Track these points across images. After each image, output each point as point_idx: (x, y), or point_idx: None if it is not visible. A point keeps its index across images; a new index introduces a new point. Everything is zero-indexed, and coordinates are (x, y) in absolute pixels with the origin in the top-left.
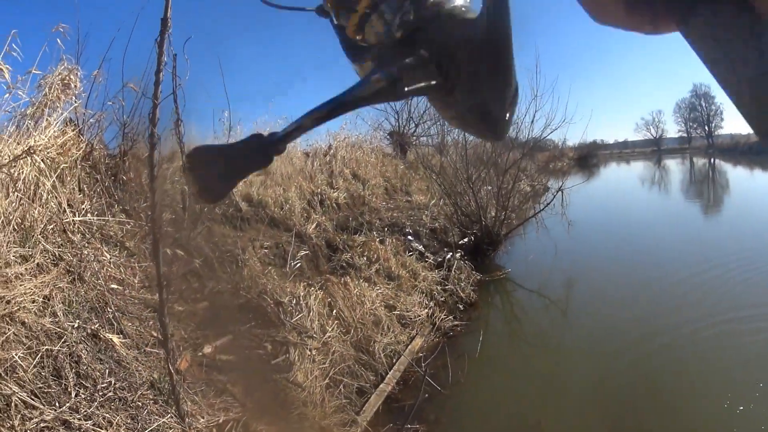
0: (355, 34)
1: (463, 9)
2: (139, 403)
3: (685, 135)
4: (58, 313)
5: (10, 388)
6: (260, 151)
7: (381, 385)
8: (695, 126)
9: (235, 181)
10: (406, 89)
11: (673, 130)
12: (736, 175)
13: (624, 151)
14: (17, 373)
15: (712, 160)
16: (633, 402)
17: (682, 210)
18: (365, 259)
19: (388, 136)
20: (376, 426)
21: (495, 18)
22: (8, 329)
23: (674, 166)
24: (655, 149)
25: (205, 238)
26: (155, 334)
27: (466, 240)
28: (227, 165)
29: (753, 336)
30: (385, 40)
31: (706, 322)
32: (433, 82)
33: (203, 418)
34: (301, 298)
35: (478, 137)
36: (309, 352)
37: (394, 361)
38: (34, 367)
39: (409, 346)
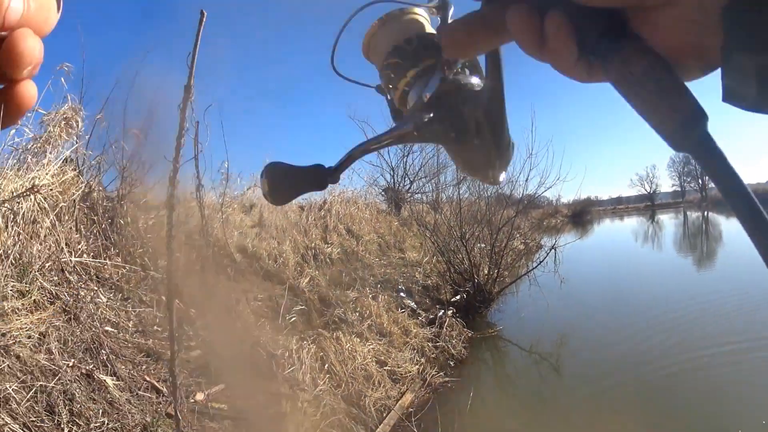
0: (399, 106)
1: (474, 83)
2: None
3: (678, 189)
4: (54, 351)
5: (3, 419)
6: (318, 176)
7: None
8: (689, 180)
9: (295, 194)
10: (427, 135)
11: (667, 184)
12: (729, 226)
13: (618, 207)
14: (10, 405)
15: (705, 213)
16: None
17: (675, 264)
18: (357, 314)
19: (383, 192)
20: None
21: (493, 90)
22: (3, 362)
23: (668, 220)
24: (648, 204)
25: (199, 288)
26: (148, 379)
27: (458, 297)
28: (292, 180)
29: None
30: (417, 105)
31: (703, 372)
32: (449, 134)
33: None
34: (293, 351)
35: (480, 178)
36: (300, 405)
37: (385, 415)
38: (28, 400)
39: (400, 401)
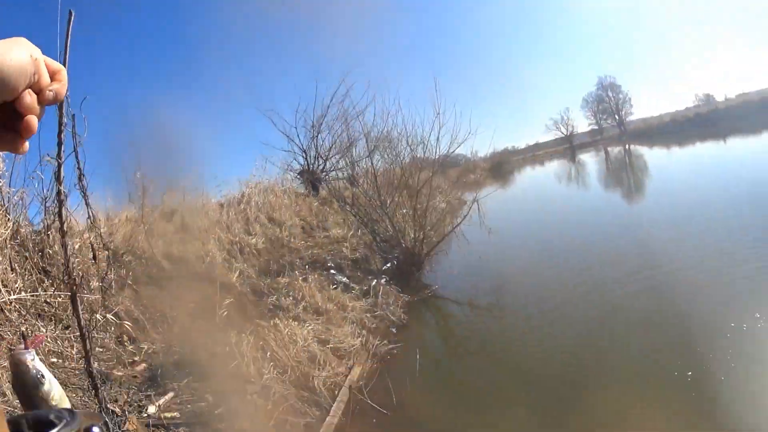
0: None
1: None
2: None
3: (596, 127)
4: (6, 392)
5: None
6: None
7: (327, 419)
8: (605, 117)
9: None
10: None
11: (583, 124)
12: (652, 155)
13: (537, 154)
14: None
15: (627, 146)
16: (577, 396)
17: (601, 200)
18: (291, 299)
19: (298, 176)
20: None
21: None
22: None
23: (589, 159)
24: (567, 146)
25: (133, 302)
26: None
27: (389, 265)
28: None
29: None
30: None
31: (637, 304)
32: None
33: None
34: (234, 346)
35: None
36: (250, 397)
37: (336, 393)
38: None
39: (349, 376)
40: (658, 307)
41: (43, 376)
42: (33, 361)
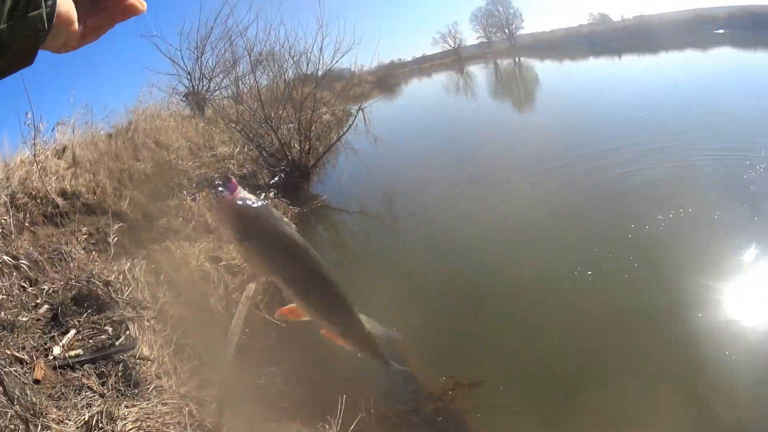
0: None
1: None
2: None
3: (485, 40)
4: None
5: None
6: None
7: (228, 338)
8: (495, 30)
9: None
10: None
11: (471, 38)
12: (543, 68)
13: (423, 65)
14: None
15: (516, 59)
16: (469, 292)
17: (488, 109)
18: (181, 219)
19: (184, 99)
20: (234, 379)
21: None
22: None
23: (478, 71)
24: (455, 58)
25: (32, 243)
26: (9, 352)
27: (276, 179)
28: None
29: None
30: None
31: (527, 205)
32: None
33: (71, 420)
34: (127, 273)
35: None
36: (148, 323)
37: (233, 311)
38: None
39: (244, 293)
40: (534, 204)
41: None
42: None
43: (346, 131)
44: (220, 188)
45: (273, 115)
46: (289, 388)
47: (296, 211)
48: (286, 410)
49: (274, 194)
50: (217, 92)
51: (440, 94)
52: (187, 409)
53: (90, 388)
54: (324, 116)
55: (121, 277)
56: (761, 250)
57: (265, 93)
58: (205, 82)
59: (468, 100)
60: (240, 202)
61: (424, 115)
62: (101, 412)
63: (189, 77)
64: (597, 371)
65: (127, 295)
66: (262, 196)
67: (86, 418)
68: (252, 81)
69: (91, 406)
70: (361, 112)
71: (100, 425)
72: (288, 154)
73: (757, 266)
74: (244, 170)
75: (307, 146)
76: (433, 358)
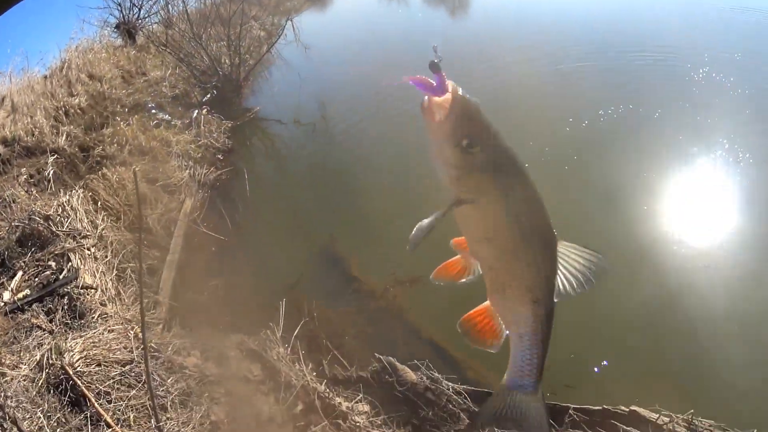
0: None
1: None
2: None
3: None
4: None
5: None
6: None
7: (168, 257)
8: None
9: None
10: None
11: None
12: None
13: None
14: None
15: None
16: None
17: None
18: (116, 146)
19: (115, 30)
20: (177, 298)
21: None
22: None
23: None
24: None
25: None
26: None
27: (209, 95)
28: None
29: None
30: None
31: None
32: None
33: (24, 363)
34: (65, 204)
35: None
36: (89, 252)
37: (172, 229)
38: None
39: (182, 210)
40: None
41: None
42: None
43: (276, 42)
44: (429, 86)
45: (202, 33)
46: (232, 300)
47: (229, 124)
48: (230, 322)
49: (207, 110)
50: (148, 19)
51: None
52: (132, 332)
53: (40, 327)
54: (254, 31)
55: (60, 209)
56: (701, 148)
57: (193, 13)
58: (135, 11)
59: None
60: (468, 99)
61: (355, 24)
62: (50, 349)
63: (119, 8)
64: None
65: (67, 226)
66: (195, 113)
67: (38, 358)
68: (180, 3)
69: (42, 346)
70: (290, 22)
71: (51, 362)
72: (219, 69)
73: (697, 163)
74: (177, 91)
75: (237, 60)
76: (371, 262)
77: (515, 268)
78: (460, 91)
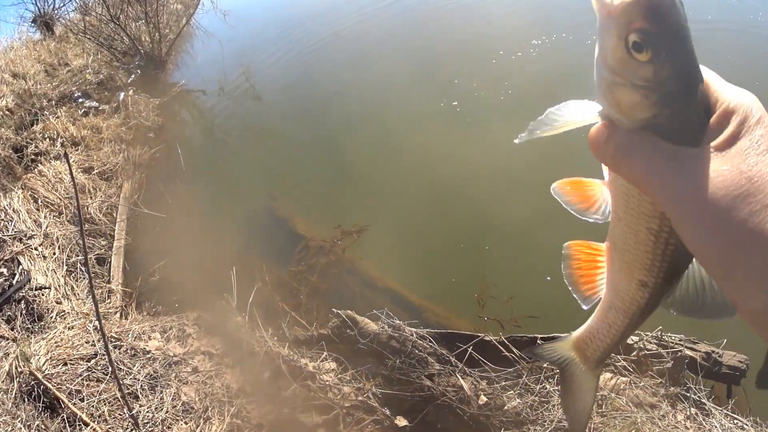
0: None
1: None
2: None
3: None
4: None
5: None
6: None
7: (114, 244)
8: None
9: None
10: None
11: None
12: None
13: None
14: None
15: None
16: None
17: None
18: (48, 141)
19: (33, 24)
20: (128, 282)
21: None
22: None
23: None
24: None
25: None
26: None
27: (133, 76)
28: None
29: None
30: None
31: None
32: None
33: None
34: (7, 208)
35: None
36: (38, 251)
37: (115, 215)
38: None
39: (121, 194)
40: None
41: None
42: None
43: (193, 13)
44: None
45: (120, 14)
46: (182, 278)
47: (157, 102)
48: (183, 300)
49: (133, 91)
50: (63, 8)
51: None
52: (92, 325)
53: (3, 337)
54: (171, 5)
55: (3, 214)
56: None
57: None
58: (50, 2)
59: None
60: None
61: None
62: (17, 357)
63: (34, 1)
64: None
65: (12, 229)
66: (122, 96)
67: (6, 368)
68: None
69: (8, 355)
70: None
71: (19, 370)
72: (140, 48)
73: None
74: (101, 76)
75: (157, 36)
76: (314, 217)
77: (641, 232)
78: None
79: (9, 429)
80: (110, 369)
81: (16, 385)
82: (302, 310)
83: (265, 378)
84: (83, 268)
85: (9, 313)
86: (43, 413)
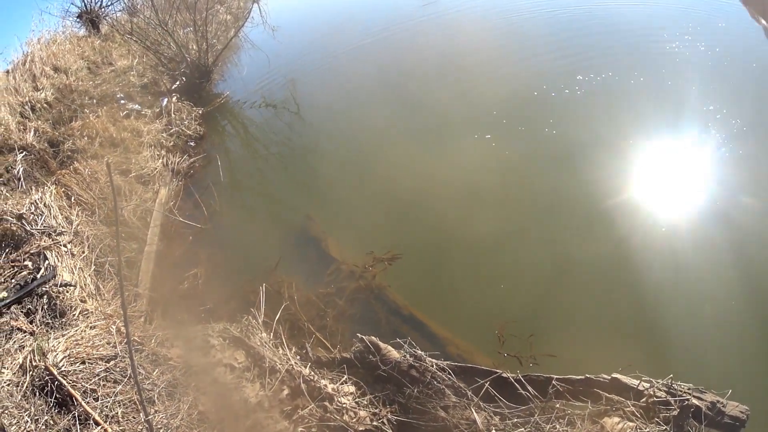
0: None
1: None
2: None
3: None
4: None
5: None
6: None
7: (146, 248)
8: None
9: None
10: None
11: None
12: None
13: None
14: None
15: None
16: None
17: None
18: (86, 139)
19: (78, 19)
20: (157, 288)
21: None
22: None
23: None
24: None
25: None
26: None
27: (178, 83)
28: None
29: None
30: None
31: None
32: None
33: (6, 368)
34: (38, 202)
35: None
36: (65, 248)
37: (149, 220)
38: None
39: (157, 200)
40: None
41: None
42: None
43: (242, 25)
44: None
45: (168, 20)
46: (211, 288)
47: (200, 111)
48: (211, 310)
49: (177, 98)
50: (111, 7)
51: None
52: (115, 327)
53: (20, 329)
54: (220, 15)
55: (33, 207)
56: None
57: (162, 2)
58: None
59: None
60: None
61: (320, 3)
62: (33, 351)
63: None
64: None
65: (41, 224)
66: (164, 102)
67: (20, 361)
68: None
69: (23, 348)
70: (256, 5)
71: (34, 364)
72: (186, 56)
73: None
74: (145, 79)
75: (204, 46)
76: (348, 242)
77: None
78: None
79: (14, 421)
80: (130, 371)
81: (28, 379)
82: (327, 331)
83: (284, 395)
84: (112, 269)
85: (29, 306)
86: (53, 409)
